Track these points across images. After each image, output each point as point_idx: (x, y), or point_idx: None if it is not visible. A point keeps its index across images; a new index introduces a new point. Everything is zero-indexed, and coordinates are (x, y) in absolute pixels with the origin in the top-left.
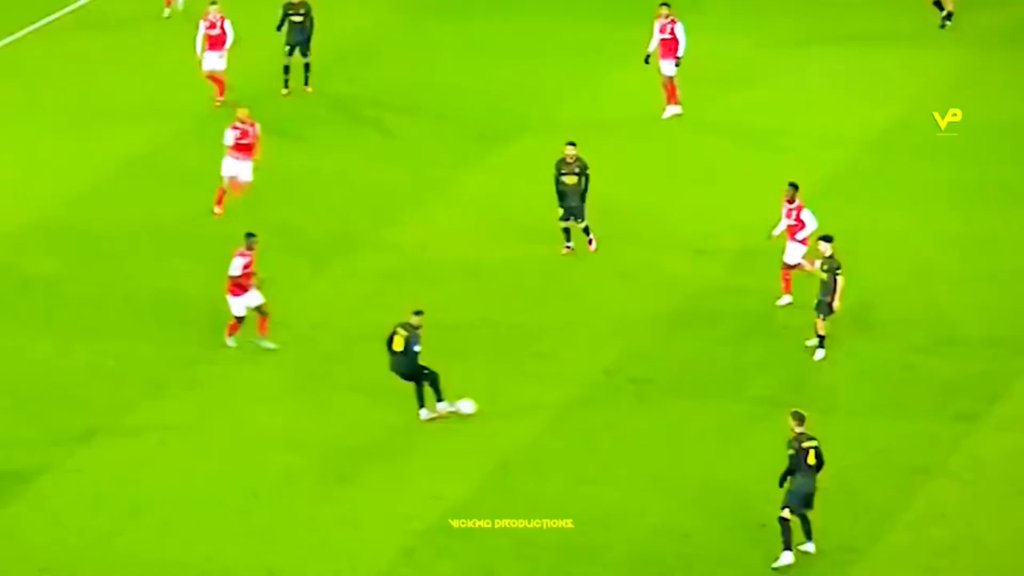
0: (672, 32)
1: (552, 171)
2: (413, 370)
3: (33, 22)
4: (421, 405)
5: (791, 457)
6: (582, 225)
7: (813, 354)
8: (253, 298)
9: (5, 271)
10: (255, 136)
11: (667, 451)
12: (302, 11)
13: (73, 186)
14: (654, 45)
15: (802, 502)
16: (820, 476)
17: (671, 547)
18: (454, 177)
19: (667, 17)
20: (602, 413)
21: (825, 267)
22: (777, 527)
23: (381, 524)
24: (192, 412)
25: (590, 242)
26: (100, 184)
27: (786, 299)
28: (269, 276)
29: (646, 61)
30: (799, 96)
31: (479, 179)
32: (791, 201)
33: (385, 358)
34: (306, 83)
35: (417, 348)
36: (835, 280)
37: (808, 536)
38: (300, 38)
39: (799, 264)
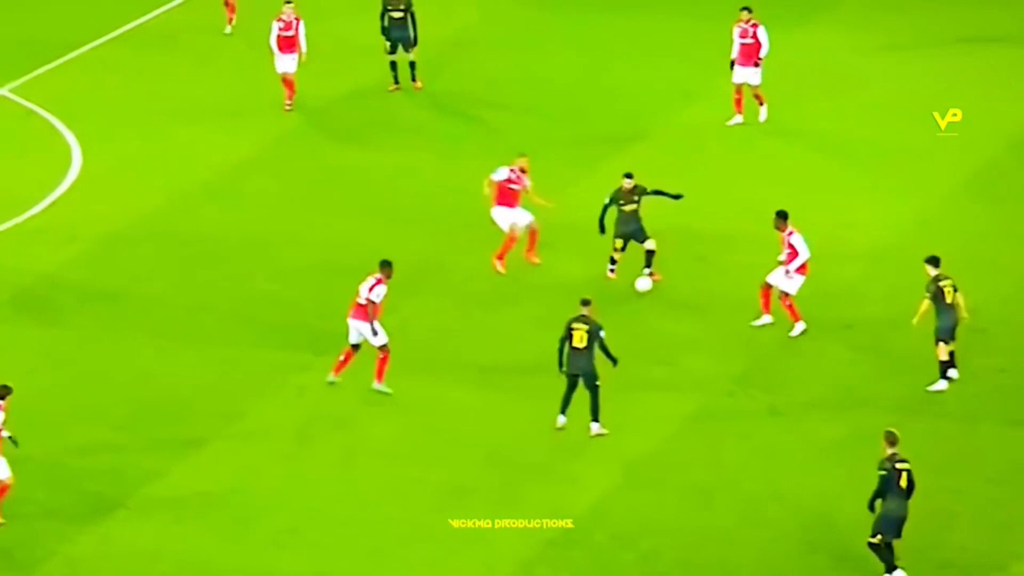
0: (755, 36)
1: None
2: (593, 367)
3: (123, 24)
4: (562, 411)
5: (882, 479)
6: (648, 247)
7: (931, 384)
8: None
9: (108, 274)
10: (525, 185)
11: (797, 464)
12: (402, 7)
13: (175, 187)
14: (736, 51)
15: (895, 529)
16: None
17: (799, 561)
18: (567, 179)
19: (748, 21)
20: (730, 424)
21: (929, 289)
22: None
23: (500, 536)
24: (302, 420)
25: (650, 269)
26: (202, 186)
27: (766, 319)
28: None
29: (732, 67)
30: (931, 97)
31: (593, 182)
32: (781, 230)
33: (500, 364)
34: (413, 79)
35: (602, 333)
36: (929, 301)
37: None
38: (400, 34)
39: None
